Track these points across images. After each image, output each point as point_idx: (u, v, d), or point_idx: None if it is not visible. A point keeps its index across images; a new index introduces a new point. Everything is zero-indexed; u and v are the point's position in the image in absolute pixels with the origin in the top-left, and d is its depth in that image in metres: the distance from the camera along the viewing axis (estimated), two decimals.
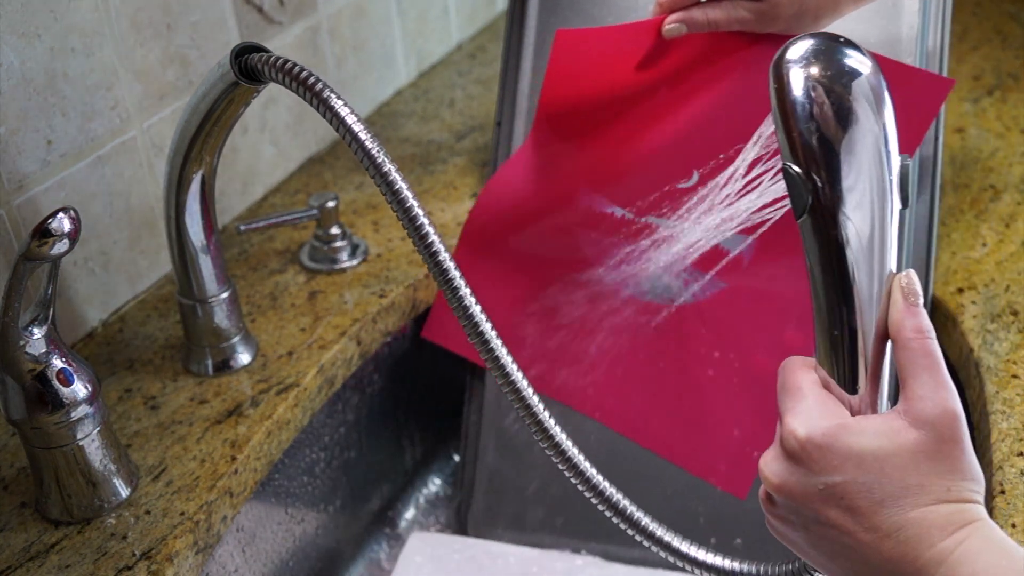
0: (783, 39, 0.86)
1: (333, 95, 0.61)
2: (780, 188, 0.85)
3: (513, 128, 0.98)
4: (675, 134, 0.89)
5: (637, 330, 0.92)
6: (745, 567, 0.59)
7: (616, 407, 0.92)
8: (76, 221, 0.62)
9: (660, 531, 0.63)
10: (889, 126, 0.50)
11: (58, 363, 0.67)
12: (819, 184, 0.49)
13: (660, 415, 0.91)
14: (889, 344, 0.52)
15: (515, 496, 0.96)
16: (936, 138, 0.90)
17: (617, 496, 0.64)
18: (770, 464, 0.52)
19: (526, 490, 0.97)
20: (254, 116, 1.04)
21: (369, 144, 0.60)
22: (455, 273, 0.61)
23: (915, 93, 0.84)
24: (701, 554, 0.61)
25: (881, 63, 0.89)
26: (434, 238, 0.61)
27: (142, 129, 0.90)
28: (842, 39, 0.51)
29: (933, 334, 0.51)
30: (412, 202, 0.61)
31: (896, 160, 0.51)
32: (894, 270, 0.52)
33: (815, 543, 0.51)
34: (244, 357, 0.85)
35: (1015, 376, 0.80)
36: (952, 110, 1.13)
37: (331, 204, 0.95)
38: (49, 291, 0.66)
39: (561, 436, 0.64)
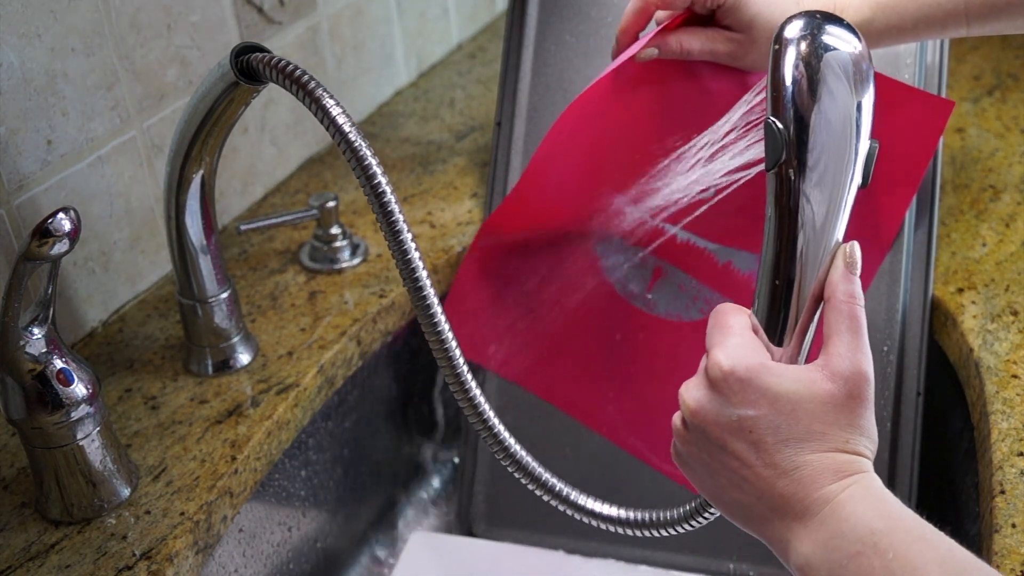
0: None
1: (328, 98, 0.61)
2: (753, 153, 0.84)
3: (513, 128, 0.98)
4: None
5: (648, 347, 0.91)
6: (651, 515, 0.64)
7: (611, 419, 0.92)
8: (76, 221, 0.62)
9: (589, 502, 0.68)
10: (865, 107, 0.55)
11: (58, 363, 0.67)
12: (791, 142, 0.54)
13: (655, 429, 0.91)
14: (820, 307, 0.56)
15: (515, 496, 0.96)
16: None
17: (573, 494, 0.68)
18: (691, 390, 0.56)
19: (526, 490, 0.97)
20: (254, 116, 1.04)
21: (361, 150, 0.60)
22: (430, 290, 0.62)
23: (916, 115, 0.84)
24: (610, 510, 0.67)
25: (881, 82, 0.89)
26: (414, 253, 0.61)
27: (142, 129, 0.90)
28: (838, 20, 0.56)
29: (862, 302, 0.55)
30: (393, 205, 0.61)
31: (866, 140, 0.55)
32: (840, 240, 0.56)
33: (715, 472, 0.55)
34: (244, 357, 0.85)
35: (1015, 376, 0.80)
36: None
37: (331, 204, 0.95)
38: (49, 291, 0.66)
39: (512, 443, 0.67)
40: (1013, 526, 0.68)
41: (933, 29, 0.77)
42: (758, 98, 0.84)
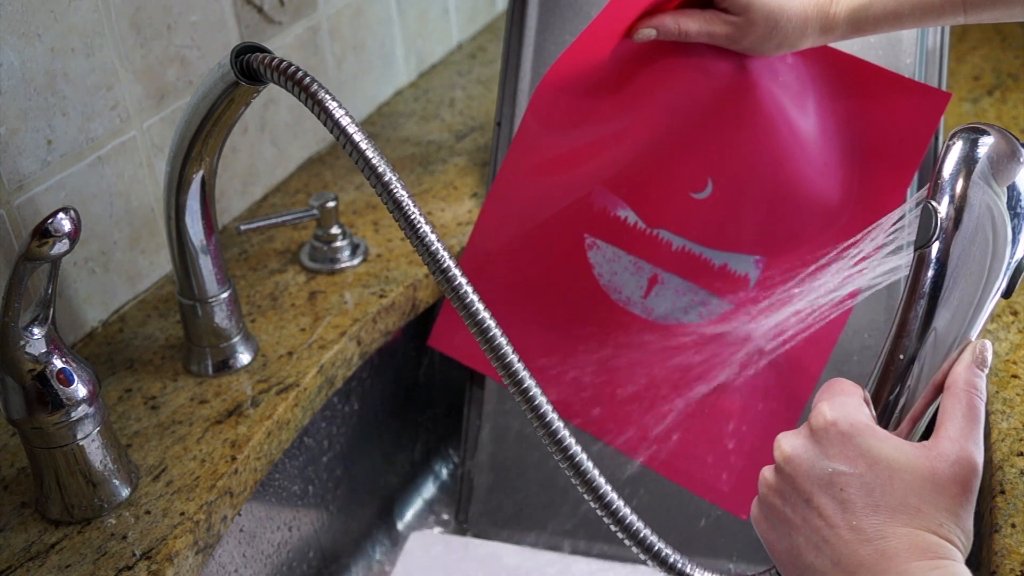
0: (805, 61, 0.86)
1: (329, 98, 0.61)
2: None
3: (513, 128, 0.98)
4: (690, 136, 0.88)
5: (645, 350, 0.91)
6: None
7: (618, 427, 0.92)
8: (76, 221, 0.62)
9: (659, 545, 0.63)
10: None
11: (58, 363, 0.67)
12: (944, 232, 0.54)
13: (664, 435, 0.90)
14: (938, 399, 0.54)
15: (515, 496, 0.96)
16: (936, 138, 0.90)
17: (624, 511, 0.64)
18: (788, 438, 0.54)
19: (526, 490, 0.97)
20: (254, 116, 1.04)
21: (366, 148, 0.60)
22: (456, 271, 0.61)
23: (913, 106, 0.84)
24: (687, 566, 0.62)
25: (879, 75, 0.89)
26: (432, 237, 0.61)
27: (142, 129, 0.90)
28: (991, 132, 0.56)
29: (984, 396, 0.53)
30: (408, 202, 0.60)
31: (1020, 254, 0.55)
32: (972, 338, 0.55)
33: (794, 529, 0.52)
34: (244, 357, 0.85)
35: (1015, 376, 0.80)
36: (952, 110, 1.13)
37: (331, 204, 0.95)
38: (49, 291, 0.66)
39: (577, 449, 0.64)
40: (1013, 526, 0.68)
41: (929, 16, 0.77)
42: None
